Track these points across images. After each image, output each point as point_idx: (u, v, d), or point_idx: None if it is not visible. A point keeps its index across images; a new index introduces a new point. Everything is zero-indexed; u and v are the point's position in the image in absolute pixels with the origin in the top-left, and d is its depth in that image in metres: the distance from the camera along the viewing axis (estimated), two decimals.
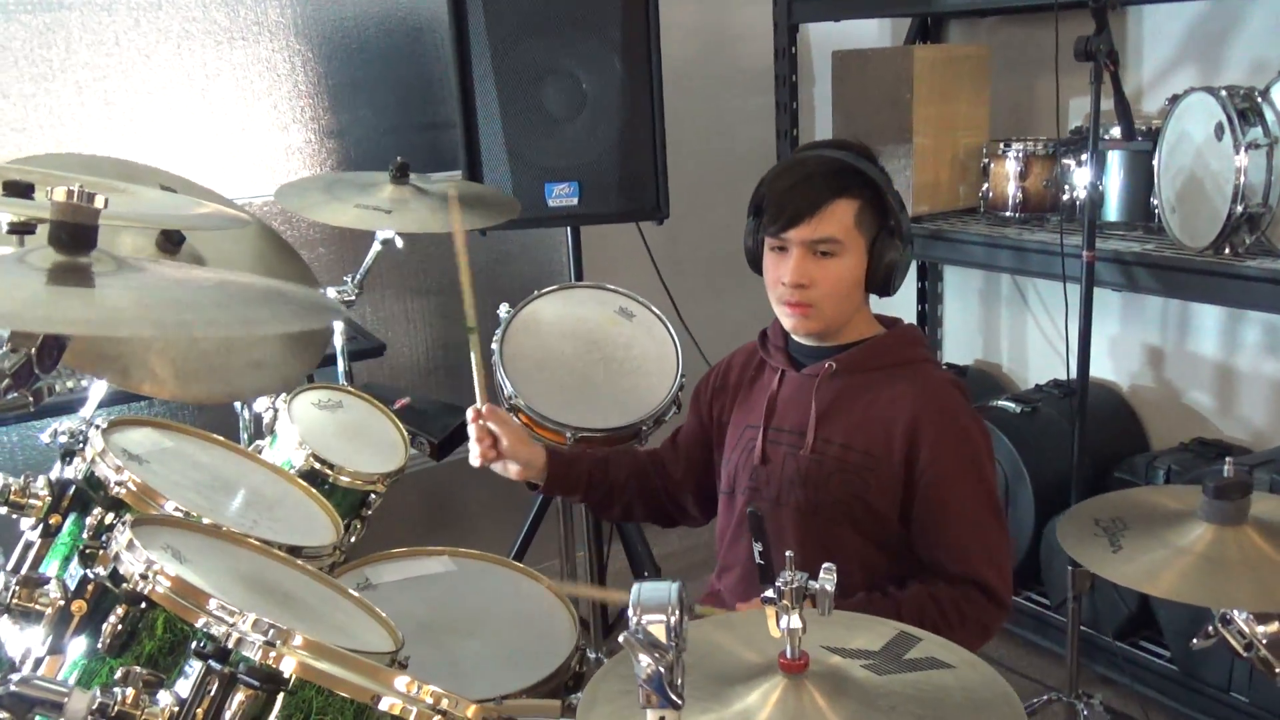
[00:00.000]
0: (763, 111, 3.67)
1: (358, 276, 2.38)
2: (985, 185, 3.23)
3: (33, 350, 0.97)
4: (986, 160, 3.21)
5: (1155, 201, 2.71)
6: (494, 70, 2.75)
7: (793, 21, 3.42)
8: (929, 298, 3.89)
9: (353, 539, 2.01)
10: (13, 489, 1.50)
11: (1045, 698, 2.51)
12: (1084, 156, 2.88)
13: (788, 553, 1.00)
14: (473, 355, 1.84)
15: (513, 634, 1.80)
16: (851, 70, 3.36)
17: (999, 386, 3.66)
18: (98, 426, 1.57)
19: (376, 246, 2.30)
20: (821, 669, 1.04)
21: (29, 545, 1.52)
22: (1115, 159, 2.87)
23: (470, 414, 1.89)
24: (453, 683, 1.65)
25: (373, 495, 1.98)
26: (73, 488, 1.50)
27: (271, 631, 0.99)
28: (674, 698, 0.74)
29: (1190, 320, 3.15)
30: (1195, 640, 1.13)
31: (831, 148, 1.80)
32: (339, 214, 2.17)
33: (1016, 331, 3.67)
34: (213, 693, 0.94)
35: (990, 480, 1.78)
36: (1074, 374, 3.45)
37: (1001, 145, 3.16)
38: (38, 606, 1.19)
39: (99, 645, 1.17)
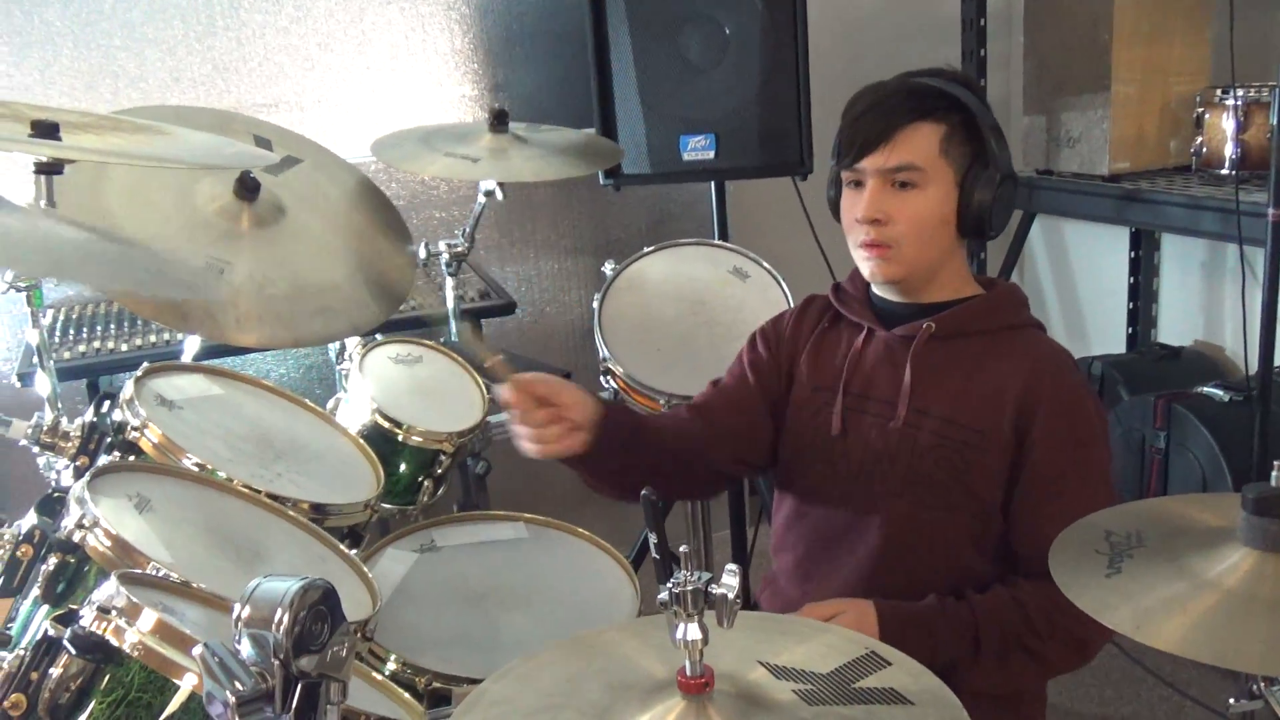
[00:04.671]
0: (954, 62, 3.36)
1: (467, 229, 2.30)
2: (1199, 139, 2.81)
3: None
4: (1201, 110, 2.79)
5: None
6: (628, 17, 2.61)
7: None
8: (1143, 269, 3.46)
9: (425, 499, 1.94)
10: (44, 429, 1.51)
11: None
12: None
13: (682, 548, 0.82)
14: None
15: (565, 612, 1.69)
16: (1045, 11, 3.01)
17: (1219, 371, 3.22)
18: (135, 374, 1.56)
19: (481, 199, 2.22)
20: (734, 689, 0.85)
21: (61, 485, 1.52)
22: None
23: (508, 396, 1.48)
24: (485, 657, 1.58)
25: (442, 455, 1.91)
26: (96, 431, 1.50)
27: (116, 606, 0.90)
28: None
29: None
30: (1233, 700, 0.86)
31: (923, 75, 1.56)
32: (429, 164, 2.11)
33: (1243, 309, 3.21)
34: (42, 657, 0.87)
35: (1106, 466, 1.53)
36: None
37: (1219, 92, 2.74)
38: None
39: (37, 593, 1.13)
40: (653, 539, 0.86)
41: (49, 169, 1.46)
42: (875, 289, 1.64)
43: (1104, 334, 3.62)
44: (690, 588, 0.81)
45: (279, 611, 0.60)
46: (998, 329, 1.58)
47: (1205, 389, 2.81)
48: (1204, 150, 2.80)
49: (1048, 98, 3.04)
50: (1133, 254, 3.45)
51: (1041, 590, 1.43)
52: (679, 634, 0.83)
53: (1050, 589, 1.33)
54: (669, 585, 0.82)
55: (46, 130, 1.42)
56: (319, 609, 0.61)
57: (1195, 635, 0.82)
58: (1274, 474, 0.90)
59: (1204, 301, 3.35)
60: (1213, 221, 2.60)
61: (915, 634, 1.47)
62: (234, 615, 0.62)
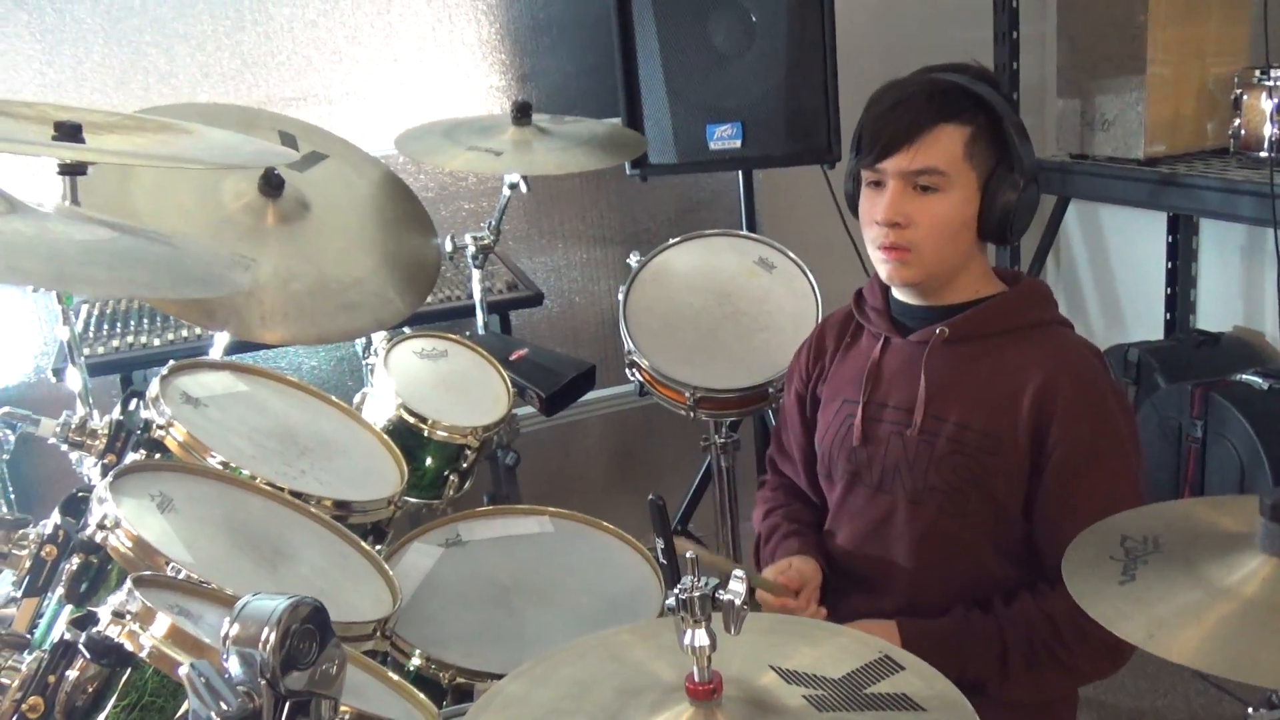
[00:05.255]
0: (986, 45, 3.30)
1: (493, 222, 2.30)
2: (1237, 121, 2.75)
3: None
4: (1239, 91, 2.73)
5: None
6: (654, 5, 2.59)
7: None
8: (1180, 253, 3.40)
9: (451, 493, 1.94)
10: (72, 427, 1.52)
11: None
12: None
13: (688, 554, 0.82)
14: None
15: (591, 607, 1.69)
16: None
17: (1260, 358, 3.16)
18: (161, 372, 1.57)
19: (505, 192, 2.22)
20: (743, 694, 0.85)
21: (89, 484, 1.54)
22: None
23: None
24: (509, 652, 1.59)
25: (467, 449, 1.91)
26: (124, 430, 1.51)
27: (131, 611, 0.91)
28: None
29: None
30: (1250, 709, 0.84)
31: (947, 71, 1.53)
32: (452, 158, 2.11)
33: None
34: (59, 660, 0.88)
35: (1133, 465, 1.50)
36: None
37: (1257, 73, 2.68)
38: (14, 550, 1.18)
39: (61, 593, 1.15)
40: (659, 544, 0.85)
41: (72, 170, 1.48)
42: (895, 291, 1.62)
43: (1141, 320, 3.56)
44: (697, 593, 0.81)
45: (266, 630, 0.60)
46: (1016, 329, 1.55)
47: (1244, 376, 2.76)
48: (1242, 132, 2.74)
49: (1082, 80, 2.99)
50: (1170, 239, 3.39)
51: (1069, 597, 1.41)
52: (687, 640, 0.83)
53: None
54: (676, 591, 0.82)
55: (70, 132, 1.44)
56: (307, 627, 0.60)
57: (1210, 646, 0.80)
58: None
59: (1244, 287, 3.29)
60: (1250, 205, 2.54)
61: (941, 652, 1.45)
62: (221, 634, 0.62)
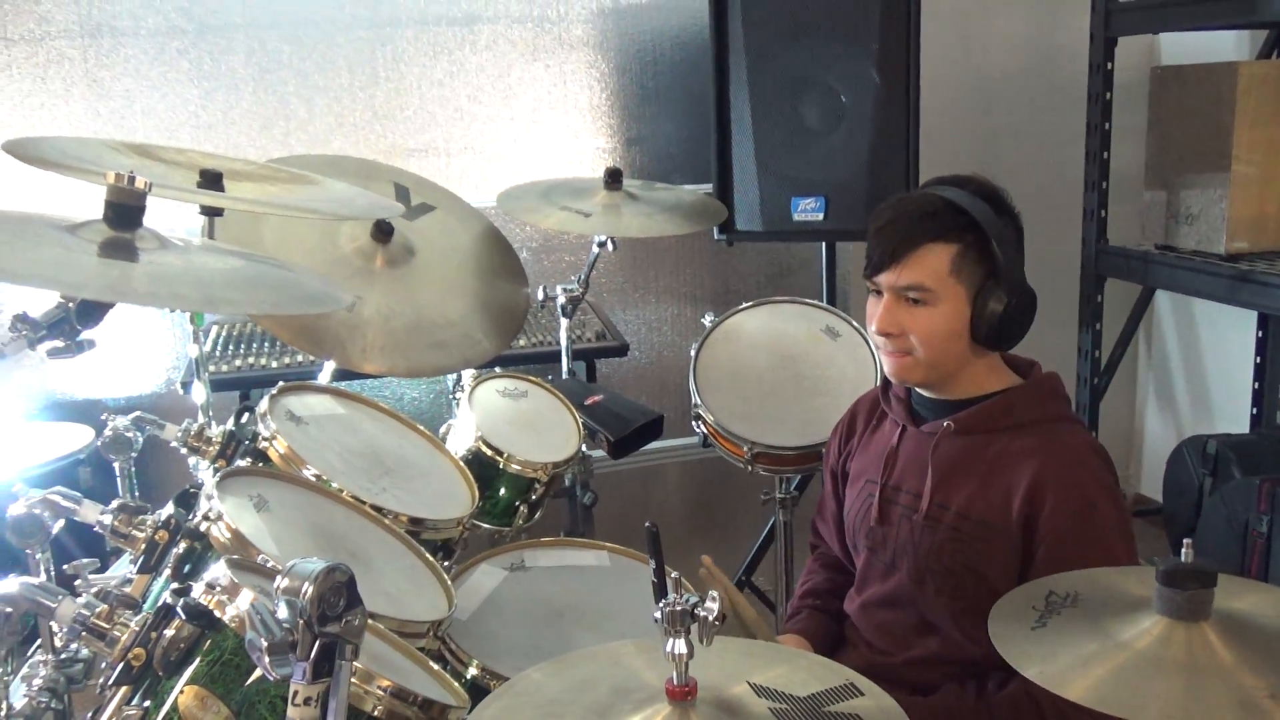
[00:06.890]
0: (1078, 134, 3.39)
1: (582, 276, 2.49)
2: None
3: (72, 305, 1.15)
4: None
5: None
6: (749, 81, 2.77)
7: (1110, 34, 3.12)
8: (1269, 349, 3.41)
9: (520, 522, 2.11)
10: (191, 434, 1.74)
11: None
12: None
13: (673, 574, 0.97)
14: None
15: (633, 634, 1.81)
16: (1170, 88, 3.03)
17: None
18: (271, 391, 1.79)
19: (594, 250, 2.41)
20: (715, 700, 0.99)
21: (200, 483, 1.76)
22: None
23: None
24: None
25: (537, 483, 2.08)
26: (234, 439, 1.72)
27: (221, 585, 1.10)
28: (273, 674, 0.75)
29: None
30: None
31: (950, 185, 1.64)
32: (546, 217, 2.30)
33: None
34: (160, 620, 1.07)
35: (1118, 562, 1.53)
36: None
37: None
38: (134, 532, 1.39)
39: (169, 571, 1.35)
40: (651, 566, 1.00)
41: (212, 211, 1.72)
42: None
43: (1228, 412, 3.57)
44: (678, 609, 0.96)
45: (306, 585, 0.77)
46: (1019, 425, 1.64)
47: None
48: None
49: (1169, 174, 3.05)
50: (1259, 334, 3.41)
51: None
52: (668, 647, 0.98)
53: None
54: (661, 605, 0.97)
55: (212, 180, 1.67)
56: (338, 585, 0.78)
57: (1099, 689, 0.92)
58: (1184, 551, 0.99)
59: None
60: None
61: None
62: (274, 585, 0.80)
